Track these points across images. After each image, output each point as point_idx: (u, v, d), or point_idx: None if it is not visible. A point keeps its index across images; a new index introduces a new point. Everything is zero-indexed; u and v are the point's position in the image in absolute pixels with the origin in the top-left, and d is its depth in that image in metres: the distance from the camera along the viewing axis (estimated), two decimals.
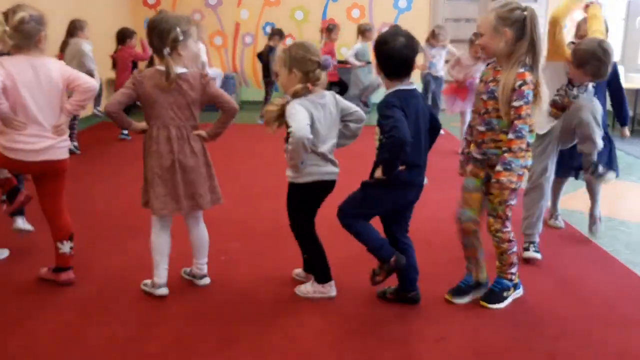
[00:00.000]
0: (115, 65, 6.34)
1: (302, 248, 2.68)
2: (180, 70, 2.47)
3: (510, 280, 2.56)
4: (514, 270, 2.56)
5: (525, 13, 2.27)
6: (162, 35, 2.41)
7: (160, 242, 2.62)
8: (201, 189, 2.57)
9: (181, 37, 2.42)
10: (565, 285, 2.80)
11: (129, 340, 2.27)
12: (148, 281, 2.66)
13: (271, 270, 2.90)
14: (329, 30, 7.64)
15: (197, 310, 2.51)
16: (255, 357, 2.18)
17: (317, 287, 2.63)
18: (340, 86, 7.54)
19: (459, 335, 2.33)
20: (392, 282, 2.54)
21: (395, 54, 2.31)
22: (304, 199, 2.59)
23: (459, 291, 2.58)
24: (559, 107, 2.99)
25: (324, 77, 2.48)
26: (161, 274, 2.62)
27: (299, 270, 2.81)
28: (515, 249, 2.53)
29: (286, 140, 2.43)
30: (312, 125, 2.40)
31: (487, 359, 2.19)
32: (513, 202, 2.45)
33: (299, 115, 2.36)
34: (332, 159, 2.53)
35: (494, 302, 2.53)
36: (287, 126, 2.40)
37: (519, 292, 2.61)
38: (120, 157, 5.50)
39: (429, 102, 6.65)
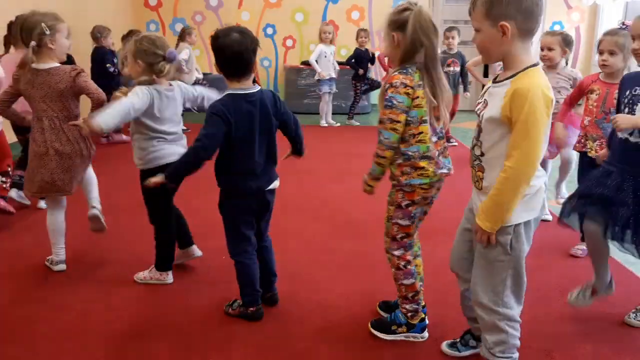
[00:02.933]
0: None
1: (155, 233, 2.75)
2: (50, 65, 2.69)
3: (405, 315, 2.31)
4: (408, 306, 2.29)
5: (409, 13, 2.02)
6: (29, 31, 2.63)
7: (55, 222, 2.87)
8: (80, 175, 2.83)
9: (47, 32, 2.63)
10: (562, 284, 2.84)
11: (129, 339, 2.31)
12: (51, 257, 2.93)
13: None
14: None
15: (198, 309, 2.55)
16: (255, 354, 2.22)
17: (155, 273, 2.79)
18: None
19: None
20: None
21: (226, 50, 2.19)
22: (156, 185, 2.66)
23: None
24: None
25: (169, 69, 2.57)
26: (59, 252, 2.90)
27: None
28: (408, 282, 2.26)
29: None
30: (152, 111, 2.53)
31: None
32: (401, 222, 2.18)
33: (135, 97, 2.46)
34: (180, 141, 2.68)
35: (378, 330, 2.35)
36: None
37: (417, 336, 2.32)
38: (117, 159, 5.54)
39: None
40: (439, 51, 2.25)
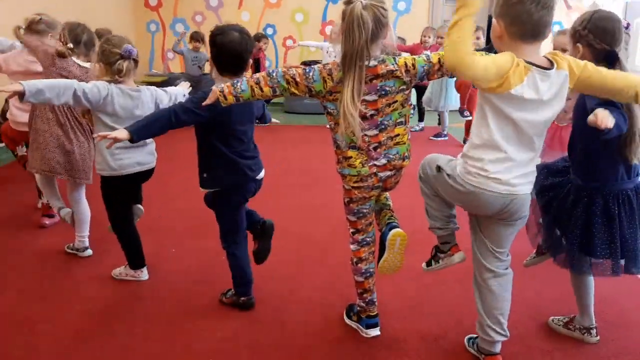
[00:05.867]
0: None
1: (117, 236, 2.79)
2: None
3: (359, 306, 2.35)
4: (358, 300, 2.33)
5: (347, 7, 1.91)
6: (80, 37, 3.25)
7: (86, 206, 3.12)
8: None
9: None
10: (561, 284, 2.84)
11: (129, 338, 2.32)
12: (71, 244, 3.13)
13: (269, 267, 2.91)
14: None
15: (198, 308, 2.55)
16: (255, 354, 2.23)
17: (129, 271, 2.84)
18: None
19: (457, 334, 2.36)
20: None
21: (225, 48, 2.24)
22: (114, 192, 2.67)
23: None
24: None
25: (128, 67, 2.52)
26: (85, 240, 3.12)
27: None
28: (357, 279, 2.29)
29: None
30: (113, 108, 2.50)
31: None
32: (349, 217, 2.23)
33: (89, 84, 2.46)
34: (145, 147, 2.64)
35: (345, 311, 2.47)
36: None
37: (362, 330, 2.34)
38: None
39: None
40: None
